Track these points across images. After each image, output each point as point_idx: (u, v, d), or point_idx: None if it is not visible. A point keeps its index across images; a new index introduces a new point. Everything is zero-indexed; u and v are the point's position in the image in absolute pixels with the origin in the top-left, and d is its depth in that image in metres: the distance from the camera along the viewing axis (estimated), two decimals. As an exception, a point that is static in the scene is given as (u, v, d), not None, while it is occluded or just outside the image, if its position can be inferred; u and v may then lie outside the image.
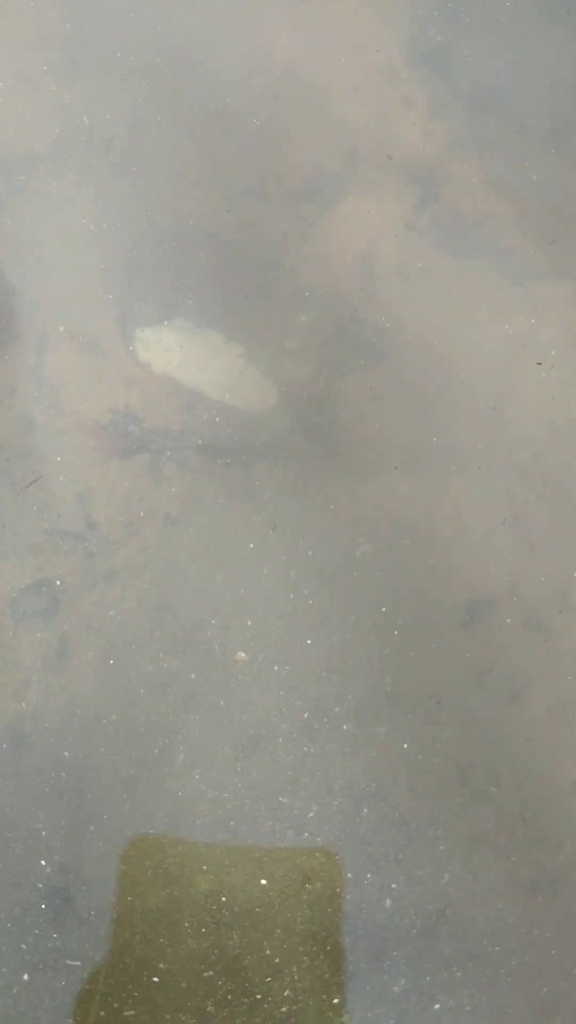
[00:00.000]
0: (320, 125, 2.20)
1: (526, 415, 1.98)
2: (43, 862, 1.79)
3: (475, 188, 2.12)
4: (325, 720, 1.85)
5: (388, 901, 1.77)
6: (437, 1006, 1.72)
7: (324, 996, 1.73)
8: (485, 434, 1.99)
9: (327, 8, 2.30)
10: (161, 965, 1.74)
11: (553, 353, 2.03)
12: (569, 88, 2.19)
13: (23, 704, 1.88)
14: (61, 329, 2.13)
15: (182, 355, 2.08)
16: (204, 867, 1.79)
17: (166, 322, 2.10)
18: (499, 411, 1.99)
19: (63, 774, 1.84)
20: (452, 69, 2.20)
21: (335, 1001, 1.74)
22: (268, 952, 1.75)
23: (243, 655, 1.85)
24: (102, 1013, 1.73)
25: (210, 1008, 1.73)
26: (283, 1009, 1.74)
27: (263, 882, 1.77)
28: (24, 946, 1.76)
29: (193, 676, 1.89)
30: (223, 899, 1.77)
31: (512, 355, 2.02)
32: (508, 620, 1.88)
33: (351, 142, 2.18)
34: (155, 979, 1.74)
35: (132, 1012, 1.74)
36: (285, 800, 1.82)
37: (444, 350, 2.04)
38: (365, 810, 1.81)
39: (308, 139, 2.18)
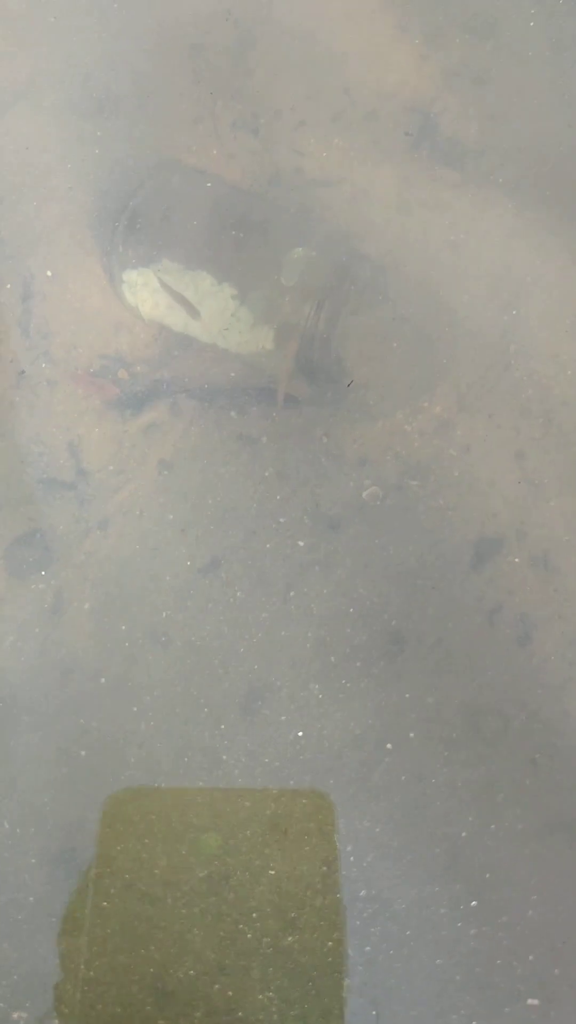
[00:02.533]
0: (311, 55, 2.11)
1: (531, 350, 1.93)
2: (43, 821, 1.74)
3: (474, 118, 2.05)
4: (333, 666, 1.80)
5: (400, 848, 1.73)
6: (443, 957, 1.69)
7: (328, 940, 1.70)
8: (490, 372, 1.93)
9: None
10: (162, 923, 1.70)
11: (559, 285, 1.97)
12: (568, 15, 2.12)
13: (18, 658, 1.82)
14: (48, 274, 2.05)
15: (170, 298, 2.01)
16: (209, 822, 1.74)
17: (153, 264, 2.02)
18: (504, 347, 1.93)
19: (61, 730, 1.79)
20: (448, -4, 2.12)
21: (336, 945, 1.71)
22: (273, 903, 1.70)
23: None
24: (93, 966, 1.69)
25: (211, 955, 1.69)
26: (291, 943, 1.71)
27: (270, 834, 1.73)
28: (20, 917, 1.71)
29: (193, 626, 1.84)
30: (228, 857, 1.73)
31: (516, 289, 1.97)
32: (516, 560, 1.83)
33: (344, 72, 2.10)
34: (151, 947, 1.70)
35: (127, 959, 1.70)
36: (292, 750, 1.77)
37: (447, 285, 1.97)
38: (374, 757, 1.77)
39: (299, 71, 2.10)
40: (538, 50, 2.07)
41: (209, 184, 2.06)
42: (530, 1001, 1.67)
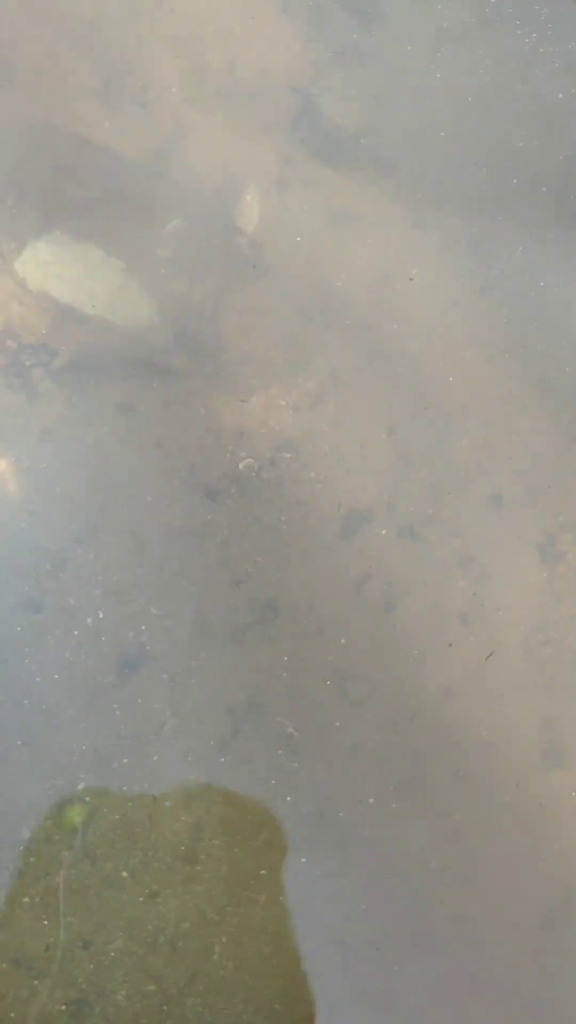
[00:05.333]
0: (197, 32, 2.14)
1: (403, 328, 1.98)
2: None
3: (355, 99, 2.10)
4: (205, 634, 1.85)
5: (266, 807, 1.79)
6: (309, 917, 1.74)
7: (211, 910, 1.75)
8: (365, 347, 1.99)
9: None
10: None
11: (431, 265, 2.03)
12: (452, 3, 2.17)
13: None
14: None
15: (59, 270, 2.03)
16: (84, 792, 1.78)
17: (43, 236, 2.03)
18: (377, 324, 1.99)
19: None
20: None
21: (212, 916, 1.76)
22: (147, 877, 1.75)
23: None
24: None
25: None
26: (156, 911, 1.76)
27: (152, 796, 1.77)
28: None
29: (67, 593, 1.87)
30: (103, 821, 1.77)
31: (390, 267, 2.02)
32: (384, 531, 1.89)
33: (228, 51, 2.13)
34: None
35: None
36: (167, 718, 1.81)
37: (324, 262, 2.02)
38: (244, 720, 1.82)
39: (184, 46, 2.13)
40: (421, 35, 2.12)
41: (97, 155, 2.08)
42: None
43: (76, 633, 1.84)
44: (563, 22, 2.16)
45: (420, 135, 2.07)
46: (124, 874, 1.74)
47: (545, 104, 2.09)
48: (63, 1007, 1.68)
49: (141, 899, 1.74)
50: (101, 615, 1.85)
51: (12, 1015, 1.67)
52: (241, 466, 1.93)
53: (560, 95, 2.11)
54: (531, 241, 2.02)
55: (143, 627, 1.85)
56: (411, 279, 2.01)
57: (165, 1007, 1.70)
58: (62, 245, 2.05)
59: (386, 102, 2.08)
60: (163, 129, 2.09)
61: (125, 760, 1.79)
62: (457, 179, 2.04)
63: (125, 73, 2.13)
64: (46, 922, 1.71)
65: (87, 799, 1.77)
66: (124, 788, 1.78)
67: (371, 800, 1.79)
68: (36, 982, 1.69)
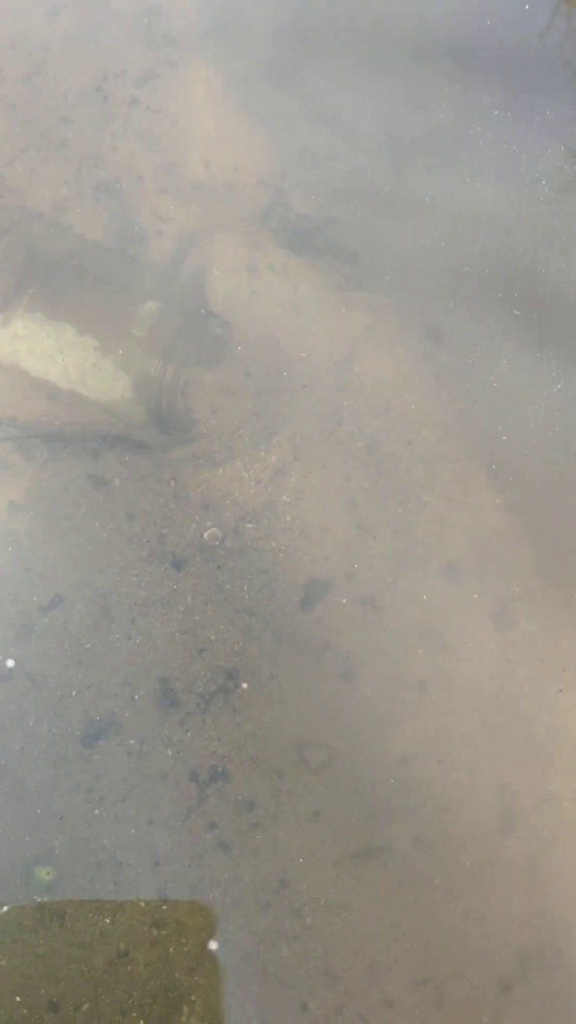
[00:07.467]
0: (173, 132, 2.28)
1: (363, 406, 2.08)
2: None
3: (319, 194, 2.23)
4: (171, 702, 1.88)
5: (233, 872, 1.80)
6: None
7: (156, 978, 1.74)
8: (325, 424, 2.08)
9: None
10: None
11: (389, 345, 2.14)
12: (404, 111, 2.33)
13: None
14: None
15: (30, 345, 2.10)
16: (50, 856, 1.78)
17: (15, 312, 2.11)
18: (338, 403, 2.08)
19: None
20: (298, 80, 2.32)
21: (165, 975, 1.75)
22: (116, 937, 1.75)
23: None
24: None
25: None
26: (120, 976, 1.75)
27: (118, 861, 1.77)
28: None
29: (34, 660, 1.89)
30: (71, 884, 1.77)
31: (352, 348, 2.13)
32: (344, 600, 1.95)
33: (205, 148, 2.26)
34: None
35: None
36: (132, 785, 1.83)
37: (288, 343, 2.12)
38: (209, 788, 1.84)
39: (162, 144, 2.26)
40: (376, 139, 2.28)
41: (71, 240, 2.18)
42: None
43: (42, 699, 1.86)
44: (523, 137, 2.33)
45: (376, 228, 2.21)
46: (93, 935, 1.74)
47: (494, 211, 2.25)
48: None
49: (110, 960, 1.73)
50: (67, 682, 1.88)
51: None
52: (205, 535, 1.99)
53: (510, 205, 2.27)
54: (483, 331, 2.15)
55: (109, 694, 1.88)
56: (370, 359, 2.12)
57: None
58: (36, 323, 2.13)
59: (346, 196, 2.22)
60: (136, 217, 2.20)
61: (91, 825, 1.80)
62: (414, 269, 2.17)
63: (97, 166, 2.25)
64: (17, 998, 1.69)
65: (52, 864, 1.77)
66: (90, 853, 1.79)
67: (332, 865, 1.81)
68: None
